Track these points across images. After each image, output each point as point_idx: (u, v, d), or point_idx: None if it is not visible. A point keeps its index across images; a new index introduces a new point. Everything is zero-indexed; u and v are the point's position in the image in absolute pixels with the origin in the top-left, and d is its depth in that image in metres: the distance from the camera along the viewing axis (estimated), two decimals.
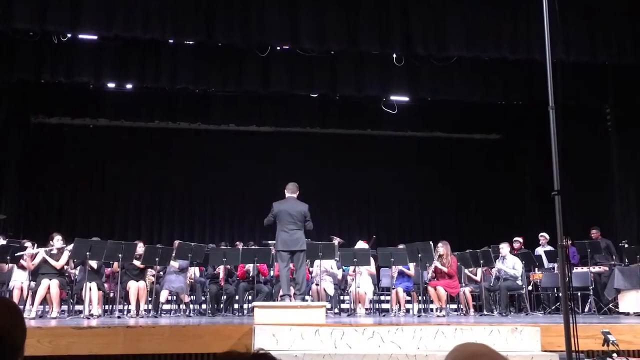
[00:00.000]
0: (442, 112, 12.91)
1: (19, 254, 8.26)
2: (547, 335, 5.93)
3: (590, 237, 10.30)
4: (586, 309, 9.57)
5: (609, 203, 11.24)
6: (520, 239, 10.78)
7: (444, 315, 8.77)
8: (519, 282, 9.41)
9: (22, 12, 8.33)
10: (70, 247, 8.19)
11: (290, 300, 7.25)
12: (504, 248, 9.57)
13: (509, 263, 9.43)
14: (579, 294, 9.52)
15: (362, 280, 9.35)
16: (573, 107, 10.28)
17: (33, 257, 8.27)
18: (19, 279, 8.38)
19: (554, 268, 10.12)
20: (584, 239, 10.10)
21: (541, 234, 10.74)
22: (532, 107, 11.35)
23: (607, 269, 9.77)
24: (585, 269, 9.72)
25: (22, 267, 8.40)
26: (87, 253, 7.93)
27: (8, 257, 8.21)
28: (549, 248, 10.48)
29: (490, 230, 13.47)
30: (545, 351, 5.76)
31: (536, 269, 10.33)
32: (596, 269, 9.81)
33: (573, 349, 3.61)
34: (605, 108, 11.48)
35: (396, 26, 9.33)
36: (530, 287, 10.05)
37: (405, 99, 11.79)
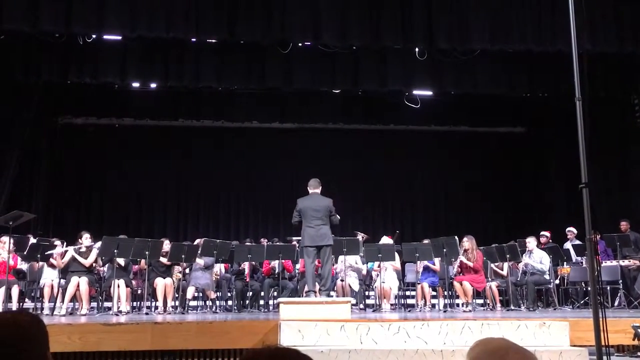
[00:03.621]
0: (465, 105, 12.79)
1: (48, 252, 8.43)
2: (576, 330, 5.86)
3: (619, 230, 10.12)
4: (616, 303, 9.42)
5: (639, 195, 11.02)
6: (547, 233, 10.63)
7: (470, 311, 8.70)
8: (547, 277, 9.28)
9: (48, 14, 8.48)
10: (98, 245, 8.32)
11: (315, 296, 7.26)
12: (531, 242, 9.44)
13: (536, 257, 9.31)
14: (609, 288, 9.37)
15: (387, 276, 9.31)
16: (600, 98, 10.09)
17: (62, 255, 8.42)
18: (49, 277, 8.54)
19: (582, 262, 9.96)
20: (612, 232, 9.93)
21: (568, 228, 10.58)
22: (557, 99, 11.19)
23: (637, 262, 9.59)
24: (614, 262, 9.56)
25: (52, 266, 8.56)
26: (115, 251, 8.04)
27: (38, 256, 8.37)
28: (577, 242, 10.32)
29: (516, 224, 13.33)
30: (574, 346, 5.68)
31: (564, 263, 10.19)
32: (626, 262, 9.64)
33: (603, 343, 3.56)
34: (633, 98, 11.26)
35: (419, 20, 9.27)
36: (557, 282, 9.91)
37: (429, 93, 11.70)
